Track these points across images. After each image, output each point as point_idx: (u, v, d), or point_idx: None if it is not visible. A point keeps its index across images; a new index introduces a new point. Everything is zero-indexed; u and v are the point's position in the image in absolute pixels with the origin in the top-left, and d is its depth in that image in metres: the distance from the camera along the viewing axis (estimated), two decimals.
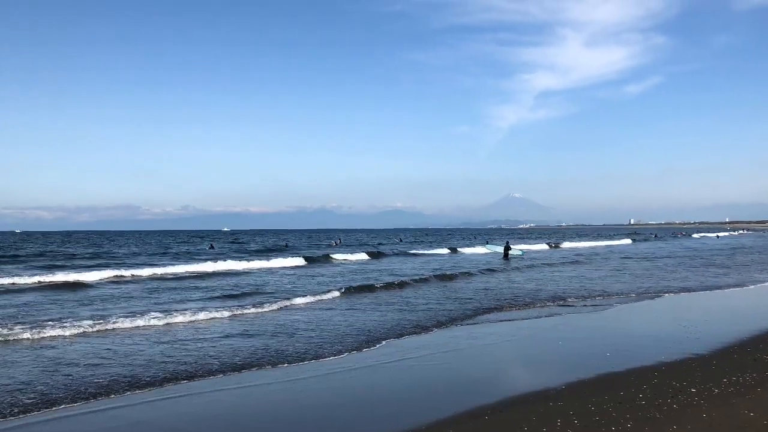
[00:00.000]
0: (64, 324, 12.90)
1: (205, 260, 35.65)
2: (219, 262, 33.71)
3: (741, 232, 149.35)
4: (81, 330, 12.48)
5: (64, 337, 11.96)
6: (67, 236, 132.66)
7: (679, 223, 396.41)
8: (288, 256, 39.73)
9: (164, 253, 49.49)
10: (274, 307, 16.14)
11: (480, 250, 53.82)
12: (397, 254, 47.48)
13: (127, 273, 27.26)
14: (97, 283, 23.30)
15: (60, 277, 24.59)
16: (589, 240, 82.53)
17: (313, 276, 26.62)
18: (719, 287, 20.93)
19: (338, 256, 41.94)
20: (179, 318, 14.00)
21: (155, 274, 27.75)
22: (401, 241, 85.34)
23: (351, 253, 44.66)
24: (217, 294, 19.44)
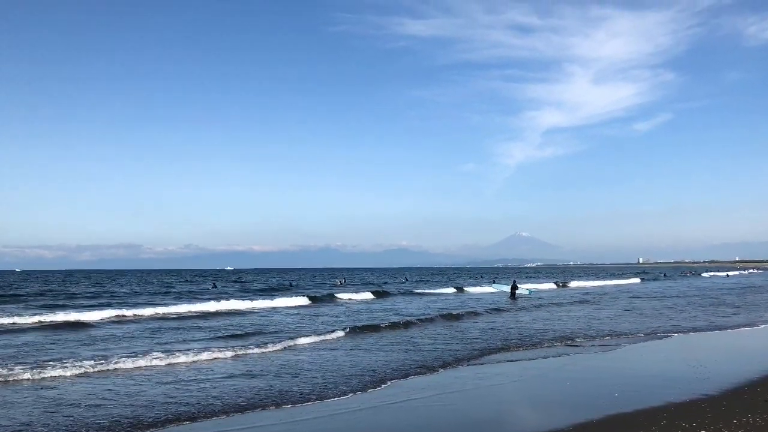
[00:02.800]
0: (65, 364, 12.78)
1: (208, 299, 35.47)
2: (222, 301, 33.53)
3: (751, 271, 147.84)
4: (82, 370, 12.37)
5: (65, 377, 11.85)
6: (68, 275, 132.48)
7: (689, 262, 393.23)
8: (292, 296, 39.51)
9: (166, 293, 49.31)
10: (278, 347, 15.98)
11: (486, 289, 53.42)
12: (402, 293, 47.14)
13: (128, 312, 27.12)
14: (99, 323, 23.15)
15: (61, 316, 24.46)
16: (597, 279, 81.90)
17: (318, 315, 26.41)
18: (729, 327, 20.63)
19: (343, 296, 41.66)
20: (182, 358, 13.87)
21: (157, 313, 27.59)
22: (407, 280, 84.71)
23: (356, 293, 44.38)
24: (220, 334, 19.27)
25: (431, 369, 12.77)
